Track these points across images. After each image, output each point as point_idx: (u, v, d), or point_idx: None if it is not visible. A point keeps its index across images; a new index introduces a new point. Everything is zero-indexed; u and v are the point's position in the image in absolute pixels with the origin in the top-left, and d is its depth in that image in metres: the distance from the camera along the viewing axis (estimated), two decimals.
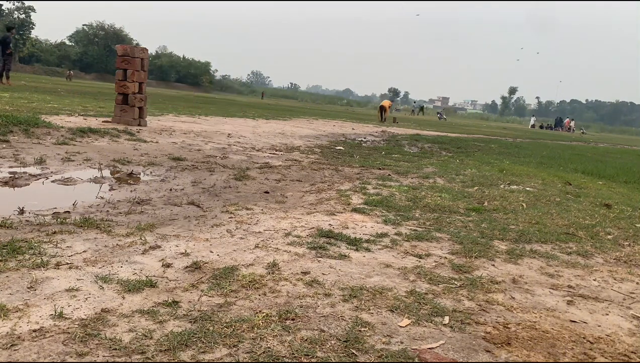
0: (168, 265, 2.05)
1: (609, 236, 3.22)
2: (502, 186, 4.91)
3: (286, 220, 2.96)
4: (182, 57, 70.31)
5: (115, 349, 1.37)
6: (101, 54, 60.69)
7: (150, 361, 1.33)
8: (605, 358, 1.59)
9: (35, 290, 1.70)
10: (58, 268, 1.90)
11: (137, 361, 1.33)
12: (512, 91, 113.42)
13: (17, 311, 1.54)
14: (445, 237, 2.83)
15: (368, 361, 1.43)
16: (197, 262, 2.09)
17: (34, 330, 1.44)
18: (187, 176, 4.13)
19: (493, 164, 7.07)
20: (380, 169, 5.55)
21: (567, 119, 54.35)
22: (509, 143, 13.98)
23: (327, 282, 2.00)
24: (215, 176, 4.24)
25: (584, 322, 1.86)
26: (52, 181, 3.50)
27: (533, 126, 48.00)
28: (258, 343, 1.46)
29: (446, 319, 1.75)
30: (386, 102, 24.34)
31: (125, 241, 2.30)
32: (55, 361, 1.30)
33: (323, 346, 1.48)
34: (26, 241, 2.14)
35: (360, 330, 1.60)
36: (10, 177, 3.45)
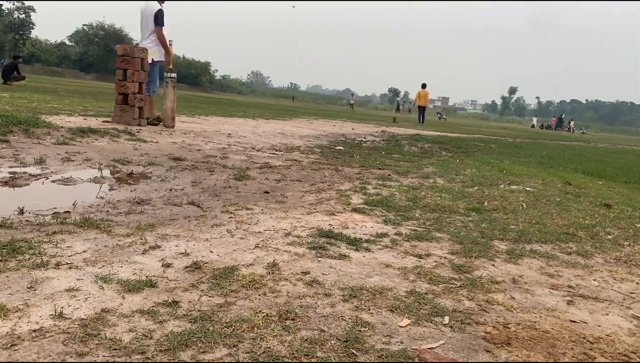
0: (168, 265, 2.05)
1: (609, 236, 3.22)
2: (502, 186, 4.91)
3: (286, 220, 2.96)
4: (182, 57, 70.33)
5: (115, 349, 1.37)
6: (101, 54, 60.70)
7: (150, 361, 1.33)
8: (605, 358, 1.59)
9: (35, 290, 1.70)
10: (58, 268, 1.90)
11: (137, 361, 1.33)
12: (512, 91, 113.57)
13: (17, 311, 1.54)
14: (445, 237, 2.83)
15: (368, 361, 1.43)
16: (197, 262, 2.09)
17: (34, 330, 1.44)
18: (187, 176, 4.13)
19: (493, 164, 7.07)
20: (380, 169, 5.56)
21: (567, 120, 54.55)
22: (509, 143, 13.98)
23: (327, 282, 2.01)
24: (215, 176, 4.24)
25: (584, 322, 1.86)
26: (52, 181, 3.50)
27: (533, 125, 48.48)
28: (258, 343, 1.46)
29: (446, 319, 1.75)
30: (423, 94, 19.49)
31: (125, 241, 2.30)
32: (55, 361, 1.30)
33: (323, 346, 1.48)
34: (26, 241, 2.14)
35: (360, 330, 1.60)
36: (10, 177, 3.45)
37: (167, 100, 7.10)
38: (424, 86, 20.11)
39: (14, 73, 16.46)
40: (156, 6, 7.02)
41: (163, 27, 7.05)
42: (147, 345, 1.40)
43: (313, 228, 2.80)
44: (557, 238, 3.02)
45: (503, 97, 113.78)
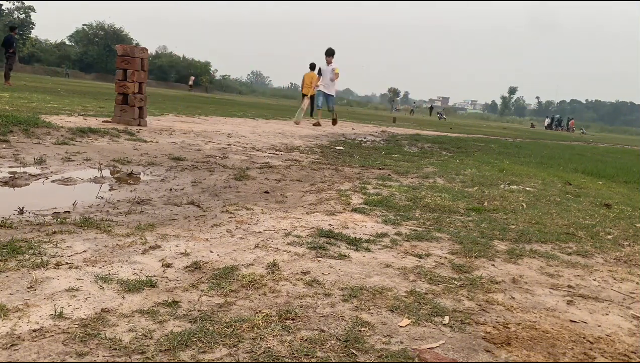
0: (168, 265, 2.05)
1: (609, 236, 3.22)
2: (502, 186, 4.91)
3: (286, 220, 2.96)
4: (182, 57, 70.33)
5: (115, 349, 1.37)
6: (101, 54, 60.75)
7: (150, 361, 1.33)
8: (605, 358, 1.59)
9: (35, 290, 1.70)
10: (58, 268, 1.90)
11: (137, 361, 1.33)
12: (512, 91, 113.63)
13: (17, 311, 1.54)
14: (445, 237, 2.83)
15: (368, 361, 1.43)
16: (197, 262, 2.09)
17: (34, 330, 1.44)
18: (187, 176, 4.13)
19: (493, 164, 7.07)
20: (380, 169, 5.55)
21: (572, 120, 54.64)
22: (509, 142, 13.98)
23: (327, 282, 2.01)
24: (215, 176, 4.24)
25: (584, 322, 1.86)
26: (52, 181, 3.50)
27: (549, 125, 48.91)
28: (258, 343, 1.46)
29: (446, 319, 1.75)
30: (310, 77, 13.39)
31: (125, 241, 2.30)
32: (55, 361, 1.30)
33: (323, 346, 1.48)
34: (26, 241, 2.14)
35: (360, 330, 1.60)
36: (10, 177, 3.45)
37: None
38: (312, 66, 14.45)
39: (11, 50, 15.80)
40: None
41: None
42: (147, 345, 1.40)
43: (313, 228, 2.80)
44: (557, 238, 3.02)
45: (503, 97, 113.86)
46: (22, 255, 1.98)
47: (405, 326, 1.67)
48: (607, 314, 1.96)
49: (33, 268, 1.87)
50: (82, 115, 7.43)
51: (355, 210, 3.32)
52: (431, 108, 57.33)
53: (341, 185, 4.30)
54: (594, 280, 2.36)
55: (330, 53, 11.70)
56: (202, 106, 15.77)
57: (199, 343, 1.43)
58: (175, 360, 1.34)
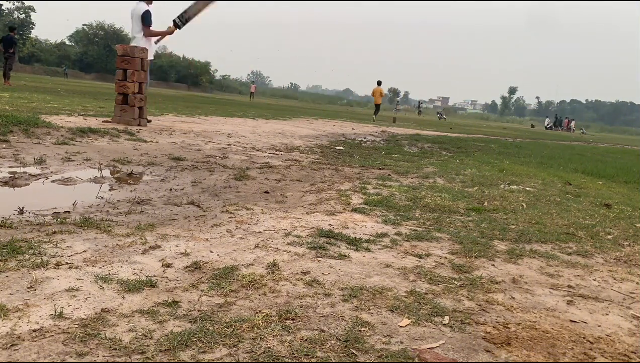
0: (168, 265, 2.05)
1: (609, 236, 3.22)
2: (502, 186, 4.91)
3: (286, 220, 2.96)
4: (182, 57, 70.29)
5: (115, 349, 1.37)
6: (101, 54, 60.76)
7: (150, 361, 1.33)
8: (605, 358, 1.59)
9: (35, 290, 1.70)
10: (58, 268, 1.90)
11: (137, 361, 1.33)
12: (512, 91, 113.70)
13: (17, 311, 1.54)
14: (445, 237, 2.83)
15: (368, 361, 1.43)
16: (197, 262, 2.09)
17: (34, 330, 1.44)
18: (187, 176, 4.13)
19: (493, 164, 7.07)
20: (380, 169, 5.55)
21: (567, 119, 54.68)
22: (509, 142, 13.98)
23: (327, 282, 2.01)
24: (215, 176, 4.24)
25: (584, 322, 1.86)
26: (52, 181, 3.50)
27: (549, 126, 48.92)
28: (258, 343, 1.46)
29: (446, 319, 1.75)
30: (378, 91, 20.49)
31: (125, 241, 2.29)
32: (55, 361, 1.30)
33: (323, 346, 1.48)
34: (26, 241, 2.14)
35: (360, 330, 1.60)
36: (10, 177, 3.45)
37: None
38: (379, 83, 20.48)
39: (11, 50, 15.91)
40: (143, 7, 7.13)
41: (151, 26, 7.20)
42: (147, 345, 1.40)
43: (313, 228, 2.80)
44: (557, 238, 3.02)
45: (503, 97, 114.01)
46: (22, 255, 1.98)
47: (405, 326, 1.67)
48: (607, 314, 1.96)
49: (33, 268, 1.87)
50: (82, 115, 7.44)
51: (355, 210, 3.32)
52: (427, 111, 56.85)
53: (341, 185, 4.30)
54: (594, 280, 2.36)
55: None
56: (202, 106, 15.78)
57: (199, 343, 1.43)
58: (175, 360, 1.34)
